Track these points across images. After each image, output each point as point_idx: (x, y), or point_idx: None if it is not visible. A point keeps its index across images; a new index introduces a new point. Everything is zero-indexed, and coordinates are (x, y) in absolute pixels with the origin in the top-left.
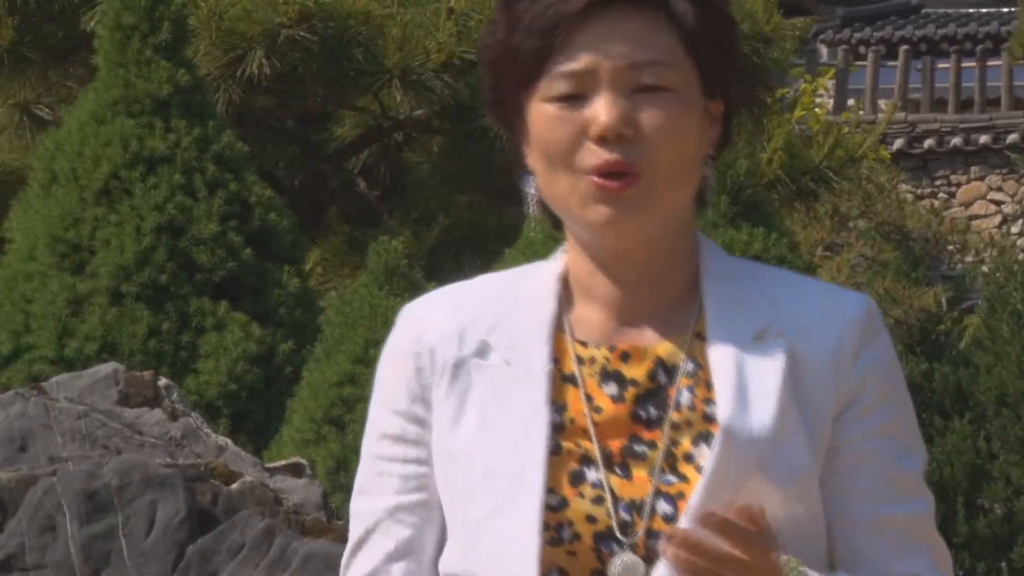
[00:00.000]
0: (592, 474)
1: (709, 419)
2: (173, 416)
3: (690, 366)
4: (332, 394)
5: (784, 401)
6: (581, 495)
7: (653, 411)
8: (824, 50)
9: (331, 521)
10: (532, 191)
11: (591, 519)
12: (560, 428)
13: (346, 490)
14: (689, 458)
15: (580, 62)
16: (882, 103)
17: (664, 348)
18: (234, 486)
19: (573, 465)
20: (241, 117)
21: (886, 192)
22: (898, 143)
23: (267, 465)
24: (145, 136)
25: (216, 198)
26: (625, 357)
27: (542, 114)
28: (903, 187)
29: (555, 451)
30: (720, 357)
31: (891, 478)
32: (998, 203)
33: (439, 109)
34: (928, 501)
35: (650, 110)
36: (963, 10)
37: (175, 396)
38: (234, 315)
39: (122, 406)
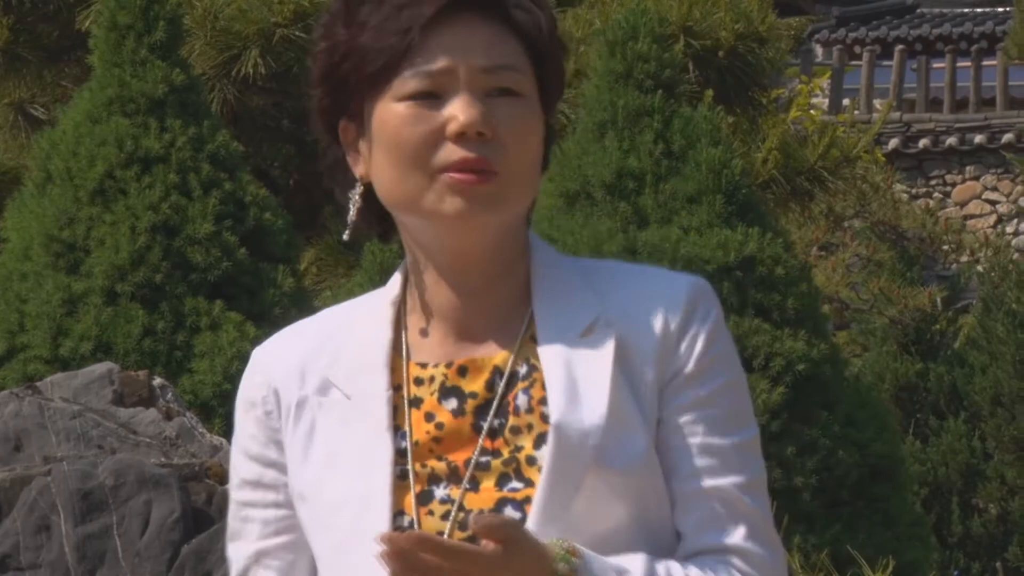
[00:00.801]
0: (440, 491)
1: (546, 419)
2: (168, 416)
3: (524, 369)
4: None
5: (615, 390)
6: (431, 513)
7: (495, 420)
8: (819, 50)
9: None
10: (356, 199)
11: (442, 535)
12: (406, 452)
13: None
14: (532, 461)
15: (439, 62)
16: (877, 103)
17: (501, 357)
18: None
19: (421, 486)
20: (236, 117)
21: (881, 192)
22: (893, 143)
23: None
24: (140, 136)
25: (211, 198)
26: (463, 371)
27: (393, 114)
28: (898, 187)
29: (402, 476)
30: (550, 356)
31: (705, 450)
32: (993, 203)
33: None
34: (749, 474)
35: (505, 112)
36: (958, 10)
37: (170, 396)
38: (229, 315)
39: (117, 406)
